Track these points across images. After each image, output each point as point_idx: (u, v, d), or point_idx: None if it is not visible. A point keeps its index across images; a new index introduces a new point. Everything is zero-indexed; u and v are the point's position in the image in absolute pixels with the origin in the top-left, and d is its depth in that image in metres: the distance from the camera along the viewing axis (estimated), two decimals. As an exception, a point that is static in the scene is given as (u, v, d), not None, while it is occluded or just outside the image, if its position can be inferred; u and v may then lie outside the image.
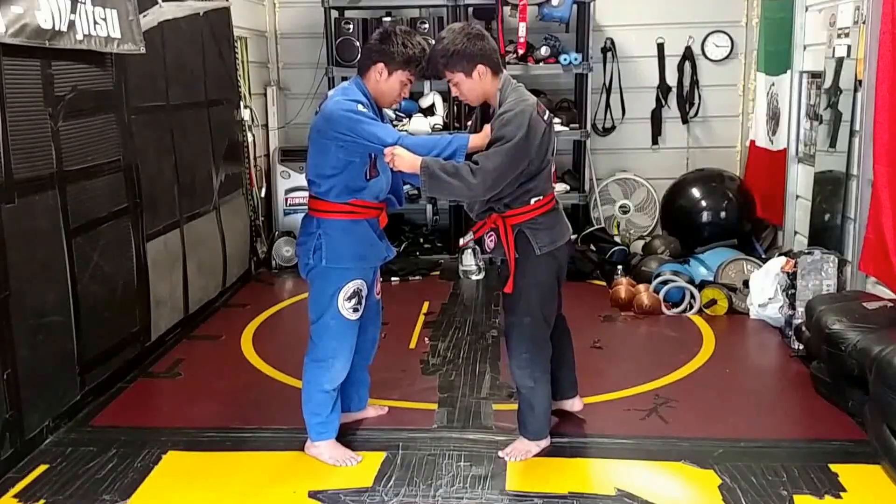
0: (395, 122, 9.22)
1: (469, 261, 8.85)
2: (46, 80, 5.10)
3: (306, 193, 9.34)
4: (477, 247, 4.60)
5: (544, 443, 4.94)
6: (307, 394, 4.88)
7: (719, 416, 5.44)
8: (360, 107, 4.51)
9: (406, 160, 4.41)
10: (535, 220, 4.64)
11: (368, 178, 4.68)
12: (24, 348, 4.86)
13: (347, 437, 5.15)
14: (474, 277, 8.80)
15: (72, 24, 5.10)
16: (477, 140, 4.57)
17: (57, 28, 4.94)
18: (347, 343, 4.83)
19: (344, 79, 9.16)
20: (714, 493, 4.46)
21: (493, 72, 4.57)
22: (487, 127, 4.60)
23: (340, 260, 4.69)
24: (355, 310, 4.78)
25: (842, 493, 4.43)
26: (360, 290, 4.78)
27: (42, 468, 4.81)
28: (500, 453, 4.90)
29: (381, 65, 4.59)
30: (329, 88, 9.18)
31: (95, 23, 5.38)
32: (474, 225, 4.84)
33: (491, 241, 4.74)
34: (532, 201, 4.61)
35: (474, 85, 4.57)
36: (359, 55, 4.63)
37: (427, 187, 4.46)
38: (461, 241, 4.56)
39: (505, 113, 4.45)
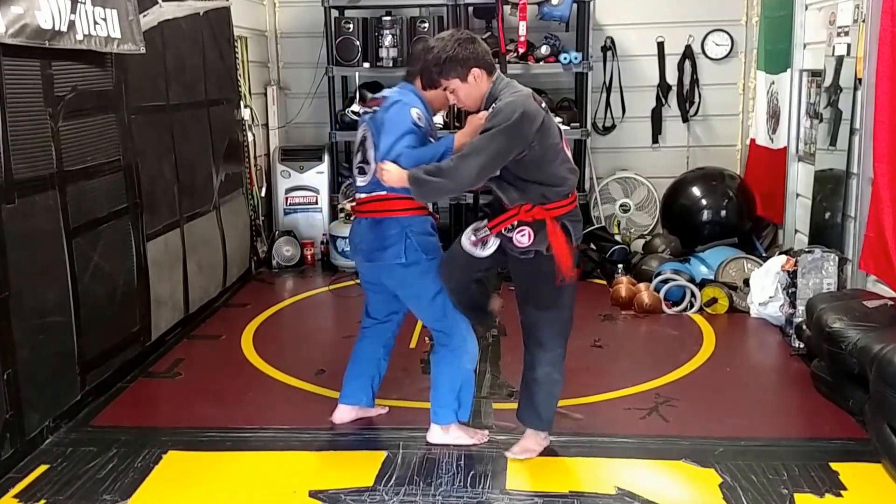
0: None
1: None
2: (46, 81, 5.10)
3: (306, 193, 9.39)
4: (493, 241, 4.46)
5: (547, 440, 4.95)
6: (451, 382, 4.98)
7: (720, 415, 5.44)
8: (415, 114, 4.67)
9: (394, 175, 4.46)
10: (572, 213, 4.63)
11: None
12: (25, 348, 4.86)
13: (349, 436, 5.16)
14: (475, 276, 8.80)
15: (72, 25, 5.09)
16: (463, 137, 4.60)
17: (57, 28, 4.94)
18: (461, 316, 4.94)
19: (344, 78, 9.28)
20: (715, 492, 4.46)
21: (487, 73, 4.54)
22: (471, 119, 4.64)
23: (430, 251, 4.80)
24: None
25: (842, 492, 4.44)
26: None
27: (42, 468, 4.81)
28: (509, 453, 4.89)
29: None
30: (329, 88, 9.24)
31: (95, 23, 5.38)
32: (489, 221, 4.68)
33: (524, 235, 4.53)
34: (569, 194, 4.61)
35: (471, 89, 4.54)
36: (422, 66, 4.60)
37: (420, 194, 4.49)
38: (471, 239, 4.43)
39: (495, 105, 4.44)
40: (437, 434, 5.01)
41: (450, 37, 4.55)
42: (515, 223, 4.51)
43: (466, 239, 4.65)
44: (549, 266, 4.51)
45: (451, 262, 4.80)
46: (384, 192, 4.71)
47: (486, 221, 4.61)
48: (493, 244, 4.59)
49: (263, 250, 9.39)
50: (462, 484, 4.58)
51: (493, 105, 4.44)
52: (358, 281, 8.47)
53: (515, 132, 4.32)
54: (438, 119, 9.30)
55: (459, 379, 4.95)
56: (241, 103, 8.70)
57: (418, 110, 4.66)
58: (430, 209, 4.90)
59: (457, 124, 9.21)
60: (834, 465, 4.69)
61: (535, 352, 4.81)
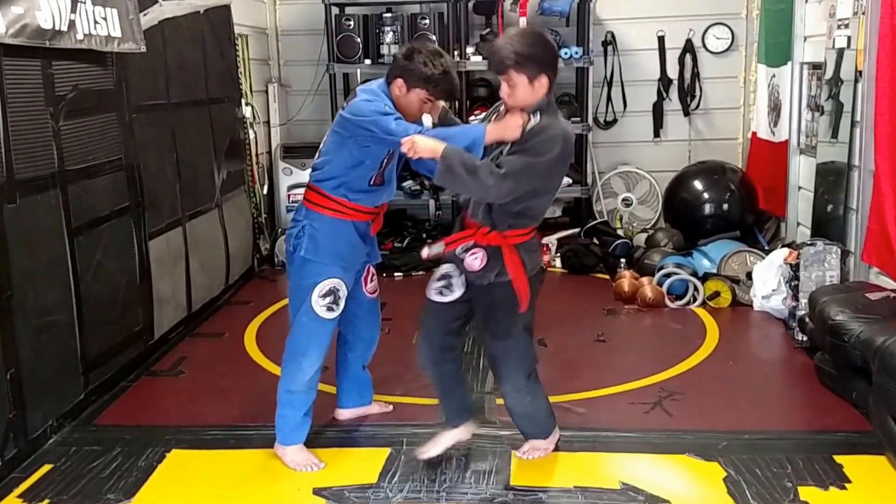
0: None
1: (472, 256, 8.84)
2: (47, 80, 5.11)
3: (309, 190, 9.37)
4: (458, 282, 4.35)
5: (556, 434, 4.92)
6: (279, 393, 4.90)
7: (723, 409, 5.44)
8: (386, 107, 4.51)
9: (427, 146, 4.21)
10: (530, 242, 4.49)
11: (372, 183, 4.70)
12: (27, 348, 4.87)
13: (352, 433, 5.16)
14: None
15: (72, 24, 5.10)
16: (494, 133, 4.35)
17: (57, 28, 4.94)
18: (318, 343, 4.79)
19: (345, 75, 9.27)
20: (719, 486, 4.46)
21: (550, 86, 4.36)
22: (509, 117, 4.33)
23: (319, 254, 4.66)
24: (329, 309, 4.73)
25: (846, 485, 4.44)
26: (337, 290, 4.72)
27: (46, 468, 4.81)
28: (518, 453, 4.87)
29: (400, 80, 4.55)
30: (330, 85, 9.24)
31: (96, 22, 5.38)
32: (448, 236, 4.56)
33: (476, 258, 4.40)
34: (530, 225, 4.47)
35: (530, 93, 4.28)
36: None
37: (442, 177, 4.25)
38: (425, 253, 4.34)
39: (546, 128, 4.25)
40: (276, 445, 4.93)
41: (539, 35, 4.40)
42: (470, 244, 4.42)
43: (432, 290, 4.59)
44: (505, 294, 4.41)
45: (427, 320, 4.73)
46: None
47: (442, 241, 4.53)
48: (458, 286, 4.53)
49: (266, 248, 9.38)
50: (466, 480, 4.58)
51: (537, 120, 4.29)
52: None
53: (552, 168, 4.27)
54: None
55: (281, 400, 4.88)
56: (243, 101, 8.70)
57: (388, 105, 4.54)
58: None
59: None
60: (838, 458, 4.69)
61: (500, 384, 4.75)
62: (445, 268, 4.56)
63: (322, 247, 4.66)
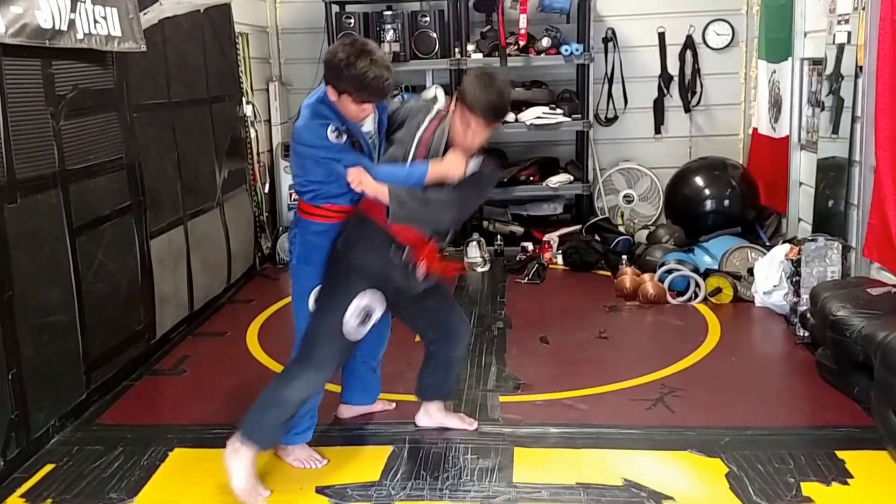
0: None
1: (474, 253, 8.86)
2: (47, 80, 5.11)
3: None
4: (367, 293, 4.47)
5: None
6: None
7: (725, 405, 5.44)
8: (330, 132, 4.34)
9: (373, 186, 4.29)
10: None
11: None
12: (29, 348, 4.87)
13: (354, 431, 5.16)
14: (479, 270, 8.81)
15: (72, 24, 5.10)
16: (438, 172, 4.40)
17: (57, 27, 4.94)
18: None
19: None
20: (721, 482, 4.46)
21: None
22: (454, 157, 4.43)
23: (311, 260, 4.63)
24: None
25: (849, 480, 4.44)
26: None
27: (48, 467, 4.82)
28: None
29: (330, 86, 4.33)
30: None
31: (96, 21, 5.38)
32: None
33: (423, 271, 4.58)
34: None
35: (482, 141, 4.52)
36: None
37: (396, 216, 4.31)
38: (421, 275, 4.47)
39: (477, 163, 4.52)
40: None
41: (503, 83, 4.45)
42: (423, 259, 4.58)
43: (353, 327, 4.56)
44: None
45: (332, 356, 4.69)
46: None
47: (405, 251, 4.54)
48: (379, 309, 4.61)
49: (268, 246, 9.38)
50: (469, 477, 4.59)
51: (475, 162, 4.51)
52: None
53: (483, 195, 4.75)
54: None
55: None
56: (243, 100, 8.70)
57: (333, 126, 4.37)
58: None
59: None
60: (840, 454, 4.69)
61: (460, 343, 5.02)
62: (366, 300, 4.55)
63: (314, 252, 4.62)
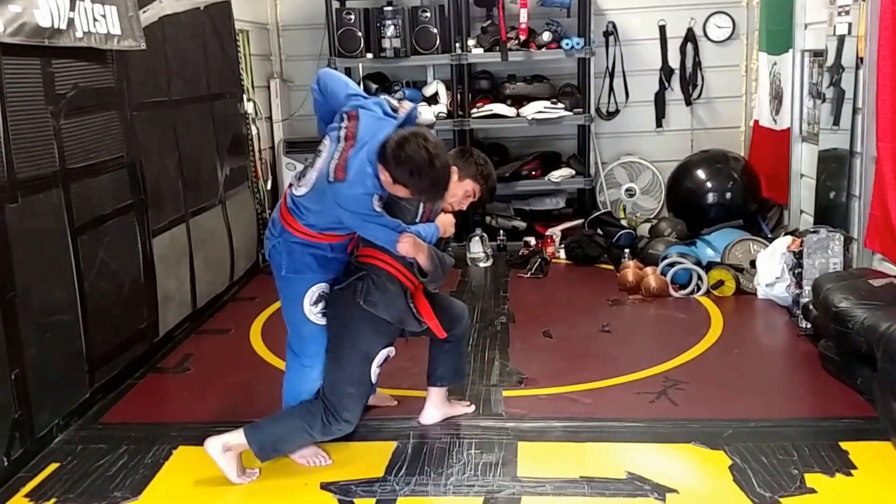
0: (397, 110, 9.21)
1: (477, 248, 8.86)
2: (47, 79, 5.11)
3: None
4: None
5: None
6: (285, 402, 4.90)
7: (729, 397, 5.44)
8: (375, 203, 4.35)
9: (417, 248, 4.50)
10: None
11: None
12: (32, 347, 4.87)
13: (358, 427, 5.14)
14: (482, 265, 8.82)
15: (71, 22, 5.10)
16: (441, 231, 4.73)
17: (56, 26, 4.94)
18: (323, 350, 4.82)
19: (347, 70, 9.27)
20: (725, 474, 4.46)
21: None
22: (446, 218, 4.78)
23: (301, 270, 4.67)
24: (324, 314, 4.76)
25: (853, 471, 4.44)
26: (326, 294, 4.75)
27: (53, 467, 4.83)
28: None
29: (387, 174, 4.28)
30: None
31: (95, 20, 5.39)
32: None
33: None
34: None
35: None
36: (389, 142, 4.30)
37: (434, 278, 4.68)
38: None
39: None
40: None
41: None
42: None
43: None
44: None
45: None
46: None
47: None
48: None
49: (271, 243, 9.37)
50: (473, 472, 4.59)
51: None
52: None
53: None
54: (442, 108, 9.36)
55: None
56: (244, 97, 8.70)
57: (378, 195, 4.36)
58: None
59: (460, 112, 9.23)
60: (844, 445, 4.69)
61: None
62: (390, 347, 4.82)
63: (303, 262, 4.67)
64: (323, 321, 4.75)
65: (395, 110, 4.55)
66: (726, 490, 4.33)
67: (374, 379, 4.77)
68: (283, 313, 4.89)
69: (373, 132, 4.37)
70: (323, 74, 4.76)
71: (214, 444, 4.57)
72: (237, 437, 4.58)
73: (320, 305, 4.73)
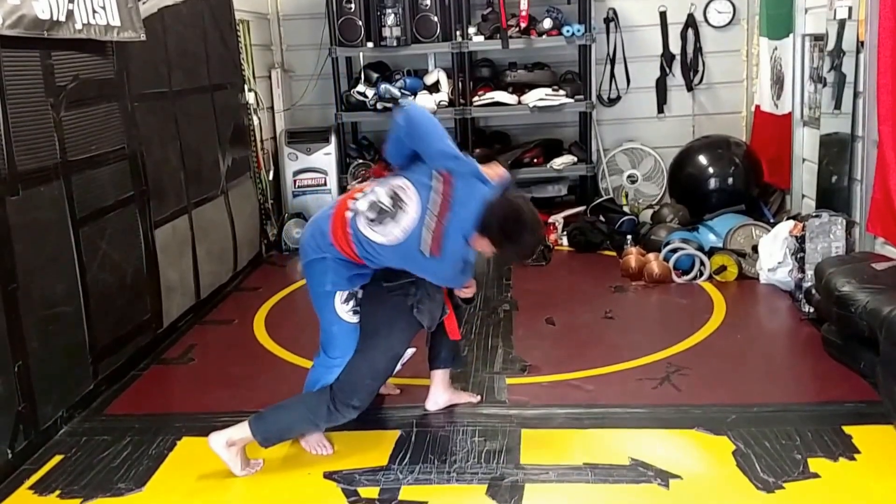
0: (399, 101, 9.22)
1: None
2: (47, 71, 5.10)
3: (314, 174, 9.36)
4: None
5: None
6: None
7: (732, 382, 5.45)
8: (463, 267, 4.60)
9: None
10: None
11: None
12: (35, 340, 4.88)
13: (362, 416, 5.14)
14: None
15: (70, 14, 5.09)
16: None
17: (55, 18, 4.93)
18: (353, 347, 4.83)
19: (348, 59, 9.27)
20: (728, 459, 4.46)
21: None
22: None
23: (340, 285, 4.69)
24: (355, 312, 4.77)
25: (856, 455, 4.44)
26: (356, 293, 4.78)
27: (57, 459, 4.83)
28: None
29: (482, 237, 4.44)
30: (333, 69, 9.25)
31: (94, 11, 5.38)
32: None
33: None
34: None
35: None
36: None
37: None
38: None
39: None
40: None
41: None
42: None
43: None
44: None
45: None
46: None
47: None
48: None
49: (273, 233, 9.39)
50: (476, 460, 4.59)
51: None
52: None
53: None
54: (444, 96, 9.37)
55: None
56: (245, 87, 8.70)
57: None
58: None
59: (462, 101, 9.23)
60: (847, 429, 4.69)
61: None
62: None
63: (346, 277, 4.70)
64: (354, 318, 4.75)
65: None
66: (730, 475, 4.33)
67: (345, 317, 4.74)
68: (316, 309, 4.83)
69: (466, 201, 4.41)
70: (414, 113, 4.68)
71: (218, 439, 4.57)
72: (241, 431, 4.57)
73: (351, 303, 4.73)
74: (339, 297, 4.69)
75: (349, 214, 4.57)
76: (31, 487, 4.55)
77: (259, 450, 4.68)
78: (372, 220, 4.51)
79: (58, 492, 4.49)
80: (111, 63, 5.89)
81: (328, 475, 4.53)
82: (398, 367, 4.84)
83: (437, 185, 4.44)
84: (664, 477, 4.33)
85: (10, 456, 4.67)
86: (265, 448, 4.65)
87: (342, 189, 9.60)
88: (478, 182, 4.47)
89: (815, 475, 4.28)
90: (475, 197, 4.39)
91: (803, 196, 8.21)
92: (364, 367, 4.71)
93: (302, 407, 4.73)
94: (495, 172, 4.57)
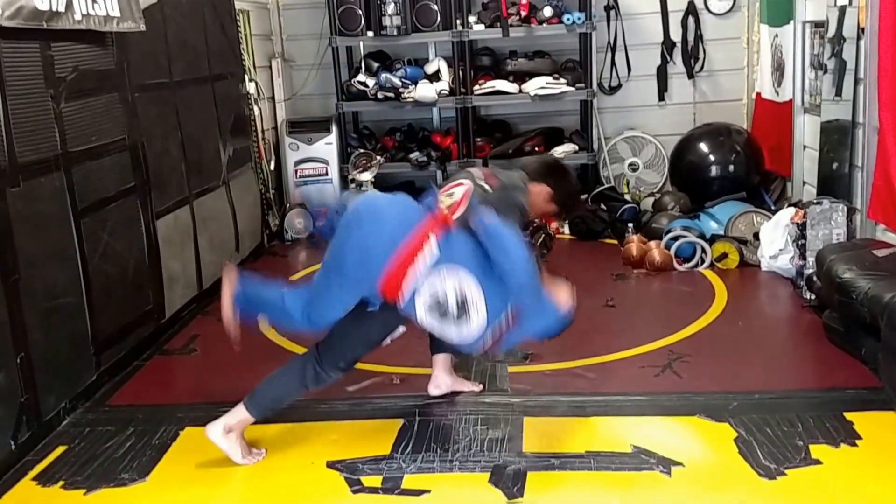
0: (400, 90, 9.22)
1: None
2: (46, 62, 5.10)
3: (315, 164, 9.35)
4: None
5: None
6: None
7: (733, 370, 5.46)
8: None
9: None
10: None
11: None
12: (37, 331, 4.88)
13: (365, 405, 5.18)
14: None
15: (69, 5, 5.09)
16: None
17: (54, 9, 4.93)
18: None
19: (348, 48, 9.28)
20: (730, 446, 4.47)
21: None
22: None
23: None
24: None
25: (857, 441, 4.45)
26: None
27: (60, 449, 4.84)
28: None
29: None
30: (333, 59, 9.25)
31: (93, 2, 5.37)
32: None
33: None
34: None
35: None
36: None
37: None
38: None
39: None
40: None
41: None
42: None
43: None
44: None
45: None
46: None
47: None
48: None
49: (275, 223, 9.41)
50: (479, 448, 4.60)
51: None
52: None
53: None
54: (444, 85, 9.37)
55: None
56: (246, 77, 8.70)
57: None
58: None
59: (462, 90, 9.22)
60: (848, 415, 4.70)
61: None
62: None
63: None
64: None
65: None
66: (732, 462, 4.34)
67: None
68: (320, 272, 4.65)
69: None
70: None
71: (215, 428, 4.59)
72: (236, 414, 4.60)
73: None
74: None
75: (412, 286, 4.34)
76: (34, 478, 4.56)
77: (261, 439, 4.71)
78: (430, 309, 4.40)
79: (61, 482, 4.50)
80: (111, 54, 5.89)
81: (331, 464, 4.53)
82: (388, 340, 4.76)
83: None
84: (666, 464, 4.34)
85: (13, 447, 4.68)
86: (260, 420, 4.67)
87: (343, 179, 9.60)
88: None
89: (817, 462, 4.29)
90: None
91: (804, 183, 8.21)
92: (357, 336, 4.65)
93: (289, 373, 4.73)
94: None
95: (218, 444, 4.58)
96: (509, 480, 4.28)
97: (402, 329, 4.71)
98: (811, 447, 4.41)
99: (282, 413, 4.87)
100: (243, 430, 4.63)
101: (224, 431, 4.58)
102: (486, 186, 4.84)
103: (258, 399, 4.65)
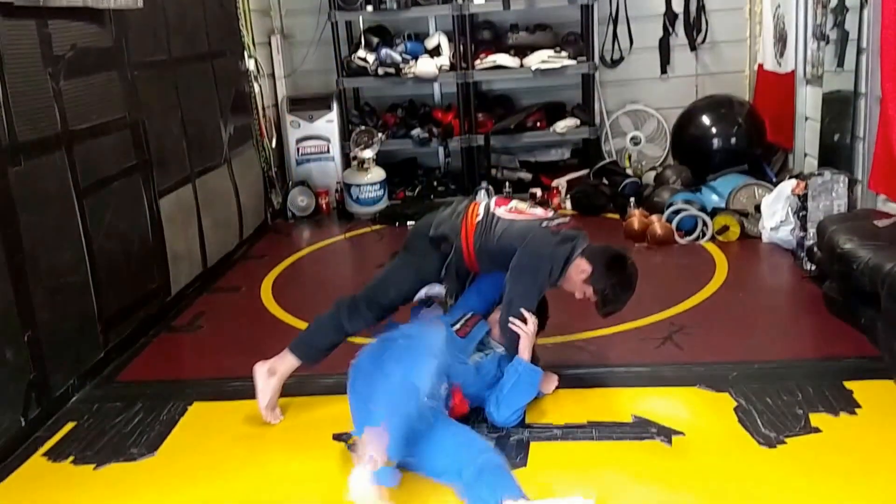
0: (401, 66, 9.23)
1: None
2: (44, 40, 5.11)
3: (317, 142, 9.36)
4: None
5: None
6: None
7: (733, 340, 5.49)
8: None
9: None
10: None
11: None
12: (44, 309, 4.92)
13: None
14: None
15: (67, -18, 5.10)
16: None
17: (51, -14, 4.95)
18: None
19: (348, 23, 9.28)
20: (730, 416, 4.50)
21: None
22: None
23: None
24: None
25: (857, 410, 4.47)
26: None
27: (70, 426, 4.89)
28: None
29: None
30: (333, 34, 9.24)
31: (91, -21, 5.39)
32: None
33: None
34: None
35: None
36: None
37: None
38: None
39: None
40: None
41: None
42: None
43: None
44: None
45: None
46: None
47: None
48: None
49: (278, 201, 9.42)
50: (483, 420, 4.61)
51: None
52: (373, 228, 8.55)
53: None
54: (445, 60, 9.36)
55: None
56: (245, 54, 8.69)
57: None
58: None
59: (464, 65, 9.20)
60: (848, 384, 4.72)
61: None
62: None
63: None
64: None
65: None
66: (732, 431, 4.37)
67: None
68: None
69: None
70: None
71: (262, 367, 4.79)
72: (284, 360, 4.80)
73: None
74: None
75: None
76: (45, 454, 4.60)
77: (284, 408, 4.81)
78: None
79: (71, 458, 4.55)
80: (109, 31, 5.90)
81: (337, 437, 4.56)
82: (422, 294, 4.97)
83: None
84: (667, 433, 4.37)
85: (23, 424, 4.73)
86: (307, 363, 4.85)
87: (345, 157, 9.62)
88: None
89: (817, 430, 4.31)
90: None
91: (805, 155, 8.20)
92: (396, 287, 4.96)
93: (327, 318, 4.91)
94: None
95: (256, 381, 4.75)
96: (513, 450, 4.31)
97: (438, 288, 4.95)
98: (811, 416, 4.43)
99: (287, 388, 4.91)
100: (286, 376, 4.78)
101: (268, 373, 4.74)
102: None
103: (301, 344, 4.85)
